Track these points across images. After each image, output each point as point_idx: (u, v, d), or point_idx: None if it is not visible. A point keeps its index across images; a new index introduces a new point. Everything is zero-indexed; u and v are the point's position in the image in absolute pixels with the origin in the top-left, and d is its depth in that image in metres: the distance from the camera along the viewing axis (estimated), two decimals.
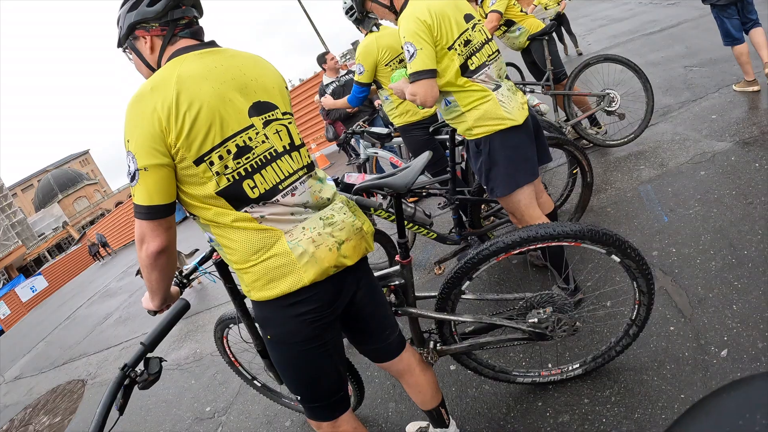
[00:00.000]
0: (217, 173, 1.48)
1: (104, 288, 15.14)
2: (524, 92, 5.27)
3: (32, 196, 73.06)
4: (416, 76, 2.31)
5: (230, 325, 2.75)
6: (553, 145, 3.16)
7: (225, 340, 2.88)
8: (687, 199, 3.43)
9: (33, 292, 31.36)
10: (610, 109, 4.41)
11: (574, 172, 3.61)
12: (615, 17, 13.96)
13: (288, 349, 1.66)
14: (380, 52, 3.78)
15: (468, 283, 2.09)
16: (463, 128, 2.52)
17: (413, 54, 2.28)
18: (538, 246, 1.96)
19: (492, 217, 3.62)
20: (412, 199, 5.09)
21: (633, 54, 8.62)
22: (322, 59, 6.74)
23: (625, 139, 4.60)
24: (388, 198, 3.02)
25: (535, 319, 2.02)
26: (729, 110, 4.62)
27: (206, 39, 1.68)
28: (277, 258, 1.53)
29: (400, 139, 4.35)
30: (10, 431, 6.57)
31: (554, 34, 9.18)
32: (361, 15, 2.85)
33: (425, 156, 2.03)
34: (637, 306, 2.12)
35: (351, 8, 3.97)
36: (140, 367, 1.56)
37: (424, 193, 3.55)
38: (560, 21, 11.22)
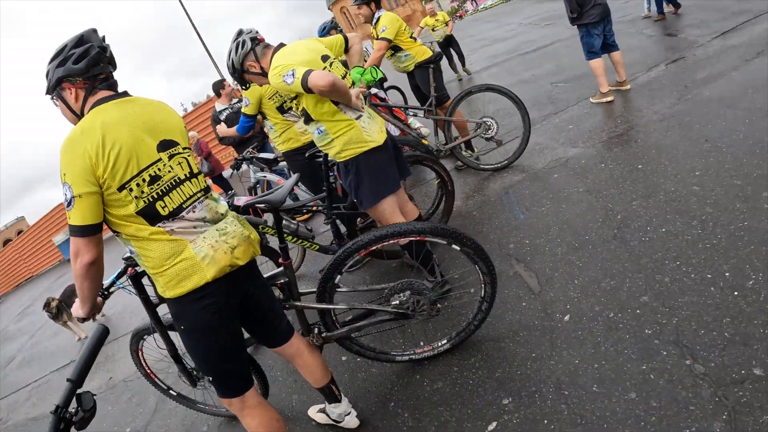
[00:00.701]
0: (136, 197, 1.87)
1: (1, 332, 14.32)
2: (407, 116, 5.70)
3: None
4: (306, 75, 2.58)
5: (144, 337, 3.02)
6: (414, 162, 3.67)
7: (140, 353, 3.14)
8: (541, 199, 4.03)
9: None
10: (486, 136, 4.80)
11: (438, 182, 4.11)
12: (497, 37, 14.96)
13: (198, 336, 2.06)
14: (263, 87, 4.14)
15: (339, 276, 2.54)
16: (333, 152, 2.94)
17: (294, 74, 2.59)
18: (389, 241, 2.44)
19: (372, 227, 4.06)
20: (301, 218, 5.49)
21: (508, 73, 9.44)
22: (219, 86, 6.95)
23: (498, 165, 4.98)
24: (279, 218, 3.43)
25: (397, 302, 2.50)
26: (584, 120, 5.36)
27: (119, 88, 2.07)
28: (185, 261, 1.93)
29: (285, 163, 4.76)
30: None
31: (444, 57, 9.56)
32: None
33: (295, 177, 2.49)
34: (483, 285, 2.61)
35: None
36: (73, 405, 1.56)
37: (304, 210, 3.96)
38: (449, 43, 11.41)
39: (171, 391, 3.34)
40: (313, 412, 2.85)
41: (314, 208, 3.97)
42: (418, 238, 2.43)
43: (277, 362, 3.61)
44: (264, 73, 2.95)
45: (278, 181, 4.79)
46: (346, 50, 3.23)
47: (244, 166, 5.13)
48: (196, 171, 2.09)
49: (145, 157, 1.90)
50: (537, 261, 3.28)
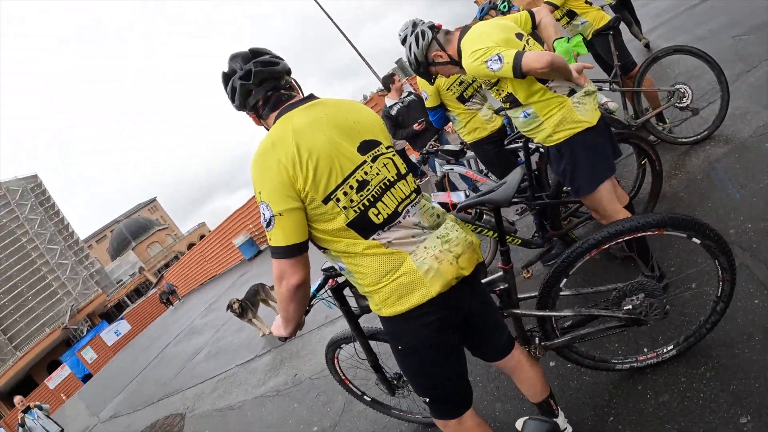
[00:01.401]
0: (344, 207, 1.71)
1: (189, 326, 15.66)
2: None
3: (107, 246, 76.71)
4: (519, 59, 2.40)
5: (342, 346, 2.99)
6: (619, 140, 3.28)
7: (336, 361, 3.13)
8: (756, 173, 3.43)
9: (117, 335, 33.18)
10: (681, 105, 4.27)
11: (643, 162, 3.68)
12: None
13: (418, 356, 1.89)
14: (440, 79, 3.97)
15: (565, 280, 2.27)
16: (543, 136, 2.71)
17: (501, 58, 2.41)
18: (625, 239, 2.12)
19: (570, 218, 3.77)
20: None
21: (680, 31, 8.48)
22: (389, 80, 6.90)
23: (698, 136, 4.36)
24: (473, 213, 3.23)
25: (630, 306, 2.18)
26: None
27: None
28: (406, 276, 1.75)
29: (471, 153, 4.57)
30: None
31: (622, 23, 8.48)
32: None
33: (519, 171, 2.21)
34: (721, 283, 2.23)
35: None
36: None
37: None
38: (624, 3, 9.34)
39: (365, 397, 3.31)
40: (521, 424, 2.61)
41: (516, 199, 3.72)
42: (657, 233, 2.10)
43: (476, 366, 3.38)
44: (453, 62, 2.75)
45: (466, 172, 4.62)
46: (534, 26, 2.93)
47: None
48: (404, 172, 1.90)
49: (347, 162, 1.74)
50: (765, 248, 2.75)
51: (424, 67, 2.85)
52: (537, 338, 2.43)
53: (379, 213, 1.76)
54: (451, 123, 4.52)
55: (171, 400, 8.29)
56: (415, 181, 1.94)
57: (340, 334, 2.93)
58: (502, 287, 2.33)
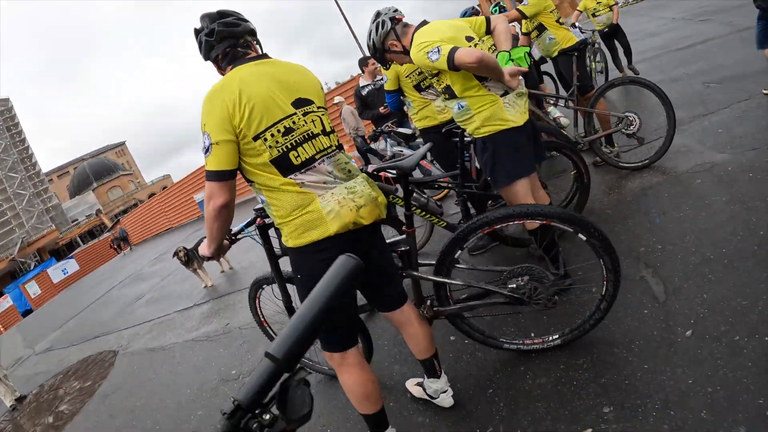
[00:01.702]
0: (270, 147, 2.00)
1: (136, 272, 15.68)
2: (548, 104, 5.45)
3: (68, 183, 75.10)
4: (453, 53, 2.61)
5: (263, 286, 3.19)
6: (553, 148, 3.54)
7: (257, 301, 3.34)
8: (680, 204, 3.71)
9: (64, 274, 32.63)
10: (628, 131, 4.53)
11: (573, 174, 3.93)
12: (649, 32, 13.99)
13: (313, 286, 2.10)
14: (402, 66, 4.19)
15: (460, 252, 2.50)
16: (472, 127, 2.93)
17: (440, 50, 2.64)
18: (515, 222, 2.38)
19: None
20: (437, 197, 5.51)
21: (658, 70, 8.80)
22: (363, 62, 7.05)
23: (639, 164, 4.64)
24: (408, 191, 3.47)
25: (514, 285, 2.42)
26: (735, 126, 4.84)
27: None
28: (311, 213, 2.02)
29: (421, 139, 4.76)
30: (40, 395, 6.93)
31: (603, 49, 8.50)
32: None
33: (426, 146, 2.50)
34: (605, 282, 2.46)
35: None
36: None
37: (436, 186, 3.96)
38: (615, 33, 9.57)
39: None
40: (411, 384, 2.88)
41: (446, 184, 3.94)
42: (544, 222, 2.35)
43: (386, 331, 3.65)
44: (405, 52, 2.99)
45: None
46: (488, 32, 3.14)
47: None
48: (329, 129, 2.18)
49: (278, 111, 2.03)
50: (666, 268, 3.03)
51: (380, 53, 3.09)
52: (429, 301, 2.67)
53: (298, 156, 2.04)
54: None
55: (107, 339, 8.38)
56: (337, 140, 2.22)
57: (262, 275, 3.14)
58: (403, 248, 2.57)
